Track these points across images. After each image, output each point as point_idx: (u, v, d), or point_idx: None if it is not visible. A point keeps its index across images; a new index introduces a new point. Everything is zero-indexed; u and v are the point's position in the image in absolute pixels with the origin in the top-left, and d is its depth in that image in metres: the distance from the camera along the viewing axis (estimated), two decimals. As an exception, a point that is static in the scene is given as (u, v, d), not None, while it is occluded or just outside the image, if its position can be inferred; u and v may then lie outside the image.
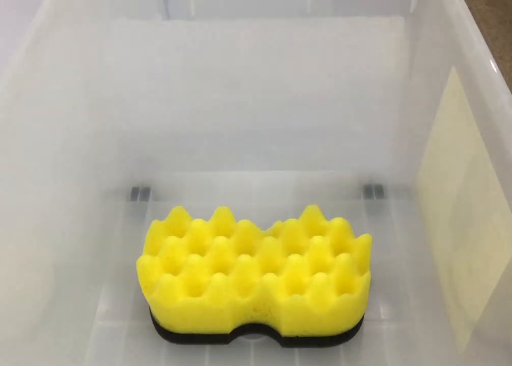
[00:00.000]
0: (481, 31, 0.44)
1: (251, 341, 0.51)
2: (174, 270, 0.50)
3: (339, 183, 0.65)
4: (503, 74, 0.40)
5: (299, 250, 0.51)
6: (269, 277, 0.48)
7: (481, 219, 0.43)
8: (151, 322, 0.52)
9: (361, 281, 0.48)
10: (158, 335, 0.52)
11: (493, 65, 0.40)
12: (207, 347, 0.51)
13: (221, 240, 0.51)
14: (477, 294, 0.43)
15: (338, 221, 0.53)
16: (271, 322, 0.50)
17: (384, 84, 0.59)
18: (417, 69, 0.57)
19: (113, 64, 0.59)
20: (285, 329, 0.49)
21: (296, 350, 0.51)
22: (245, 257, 0.49)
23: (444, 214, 0.53)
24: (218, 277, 0.48)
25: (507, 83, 0.39)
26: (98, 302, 0.55)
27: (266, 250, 0.50)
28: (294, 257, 0.49)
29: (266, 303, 0.48)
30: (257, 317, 0.50)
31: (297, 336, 0.50)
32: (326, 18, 0.59)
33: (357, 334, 0.51)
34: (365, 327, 0.52)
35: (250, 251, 0.51)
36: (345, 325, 0.50)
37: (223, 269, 0.50)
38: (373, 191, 0.64)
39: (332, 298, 0.47)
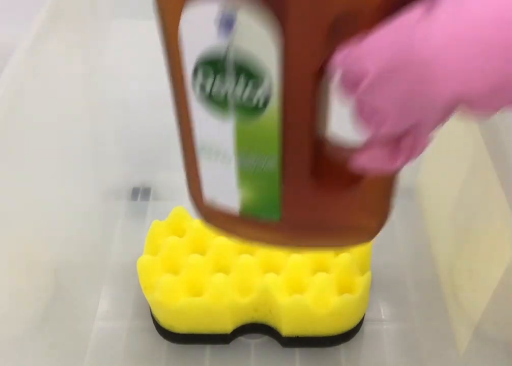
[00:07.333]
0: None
1: (251, 341, 0.51)
2: (175, 270, 0.50)
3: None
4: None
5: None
6: (270, 277, 0.48)
7: (482, 220, 0.43)
8: (151, 322, 0.52)
9: (361, 281, 0.48)
10: (158, 335, 0.52)
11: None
12: (208, 347, 0.51)
13: (221, 240, 0.51)
14: (478, 294, 0.43)
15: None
16: (272, 322, 0.50)
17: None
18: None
19: (114, 64, 0.59)
20: (286, 329, 0.49)
21: (297, 350, 0.51)
22: (245, 258, 0.49)
23: (445, 215, 0.53)
24: (218, 277, 0.47)
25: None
26: (98, 302, 0.55)
27: (266, 251, 0.50)
28: (295, 257, 0.49)
29: (267, 303, 0.48)
30: (258, 317, 0.50)
31: (298, 336, 0.50)
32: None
33: (357, 334, 0.51)
34: (365, 327, 0.52)
35: (251, 251, 0.51)
36: (346, 325, 0.50)
37: (224, 269, 0.50)
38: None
39: (332, 298, 0.47)
